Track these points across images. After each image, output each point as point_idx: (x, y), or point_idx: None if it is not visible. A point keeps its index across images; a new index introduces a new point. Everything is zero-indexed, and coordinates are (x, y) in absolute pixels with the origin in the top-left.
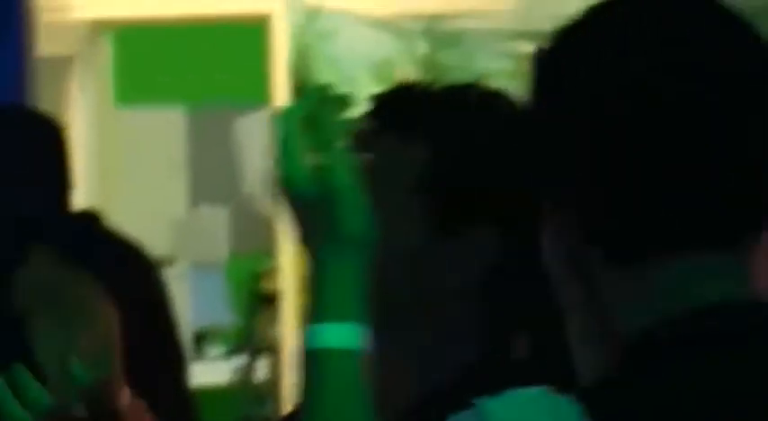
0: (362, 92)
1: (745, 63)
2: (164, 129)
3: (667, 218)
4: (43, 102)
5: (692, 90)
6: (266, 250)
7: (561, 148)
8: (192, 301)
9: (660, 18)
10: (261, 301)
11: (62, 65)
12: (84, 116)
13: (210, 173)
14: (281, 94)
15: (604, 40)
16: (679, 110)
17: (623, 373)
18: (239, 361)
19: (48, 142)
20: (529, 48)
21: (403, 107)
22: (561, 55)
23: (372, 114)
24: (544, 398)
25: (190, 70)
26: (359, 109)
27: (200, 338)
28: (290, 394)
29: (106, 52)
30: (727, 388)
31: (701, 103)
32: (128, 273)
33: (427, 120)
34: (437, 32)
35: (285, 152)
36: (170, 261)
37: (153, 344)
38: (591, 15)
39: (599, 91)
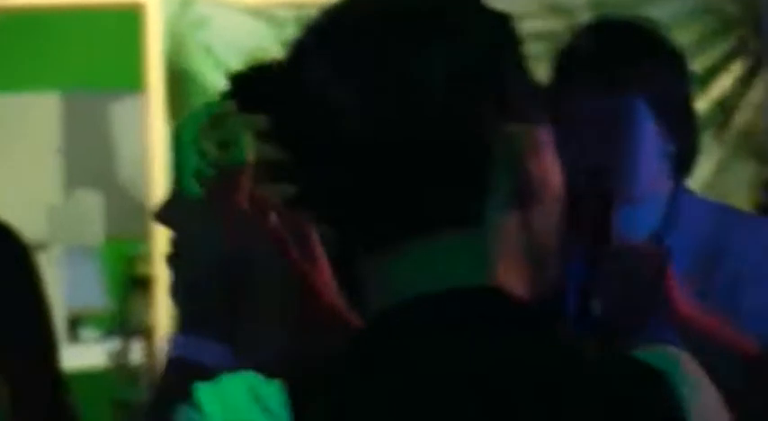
0: None
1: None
2: (39, 114)
3: (390, 209)
4: None
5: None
6: (141, 235)
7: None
8: (66, 285)
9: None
10: (135, 285)
11: None
12: None
13: (86, 158)
14: (155, 80)
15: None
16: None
17: (334, 360)
18: (113, 344)
19: None
20: None
21: (256, 87)
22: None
23: (230, 95)
24: (251, 382)
25: (65, 56)
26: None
27: (75, 322)
28: None
29: None
30: (427, 374)
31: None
32: None
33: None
34: (308, 19)
35: (180, 161)
36: (44, 245)
37: (22, 326)
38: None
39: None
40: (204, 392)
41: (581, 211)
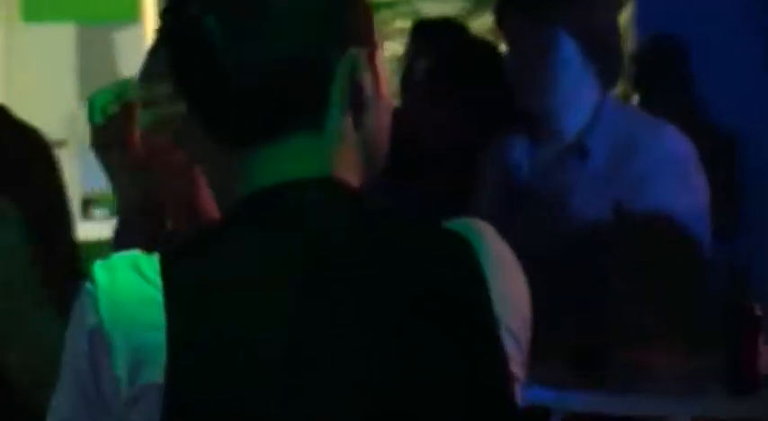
0: None
1: None
2: (57, 42)
3: (252, 115)
4: None
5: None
6: None
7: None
8: (80, 174)
9: None
10: None
11: None
12: None
13: (96, 77)
14: (150, 13)
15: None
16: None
17: (197, 241)
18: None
19: None
20: None
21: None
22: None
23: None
24: (135, 258)
25: None
26: None
27: (88, 202)
28: None
29: None
30: (262, 255)
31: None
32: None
33: None
34: None
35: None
36: (63, 143)
37: (50, 205)
38: None
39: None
40: (97, 266)
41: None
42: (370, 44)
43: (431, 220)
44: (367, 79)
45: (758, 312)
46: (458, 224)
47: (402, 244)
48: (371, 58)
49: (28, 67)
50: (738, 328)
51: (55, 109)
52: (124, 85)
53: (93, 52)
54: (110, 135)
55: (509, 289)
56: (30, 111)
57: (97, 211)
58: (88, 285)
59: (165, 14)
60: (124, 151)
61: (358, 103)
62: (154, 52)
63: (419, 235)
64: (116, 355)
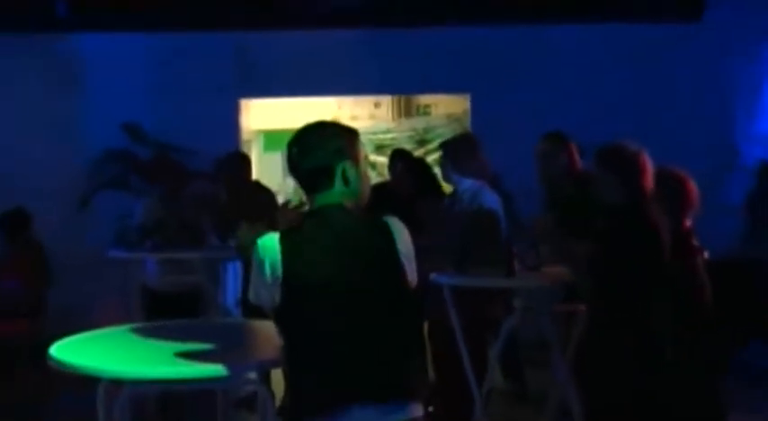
0: None
1: None
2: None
3: None
4: None
5: None
6: None
7: None
8: None
9: None
10: None
11: None
12: None
13: None
14: None
15: None
16: None
17: (292, 228)
18: None
19: None
20: None
21: None
22: None
23: None
24: (274, 234)
25: None
26: None
27: None
28: None
29: None
30: (326, 235)
31: None
32: None
33: None
34: None
35: None
36: None
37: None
38: None
39: None
40: (266, 236)
41: None
42: (355, 158)
43: (377, 218)
44: (352, 172)
45: None
46: (386, 218)
47: (367, 227)
48: (357, 163)
49: None
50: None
51: None
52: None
53: None
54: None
55: (404, 243)
56: None
57: None
58: (263, 243)
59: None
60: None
61: (346, 181)
62: None
63: (373, 223)
64: (266, 266)
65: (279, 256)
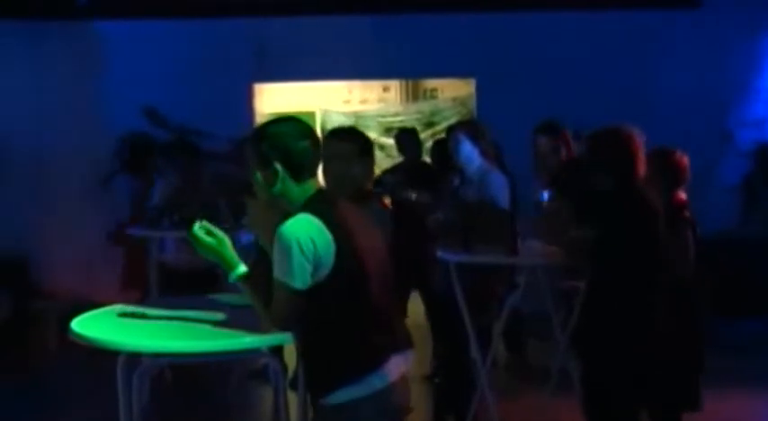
0: None
1: None
2: None
3: None
4: None
5: None
6: None
7: None
8: None
9: None
10: None
11: None
12: None
13: None
14: None
15: None
16: None
17: (321, 200)
18: None
19: None
20: None
21: None
22: None
23: None
24: (309, 216)
25: None
26: None
27: None
28: None
29: None
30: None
31: None
32: None
33: None
34: None
35: None
36: None
37: None
38: None
39: None
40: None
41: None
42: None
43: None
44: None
45: None
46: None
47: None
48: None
49: None
50: None
51: None
52: None
53: None
54: None
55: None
56: None
57: None
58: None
59: None
60: None
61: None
62: None
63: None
64: (309, 244)
65: (325, 228)
